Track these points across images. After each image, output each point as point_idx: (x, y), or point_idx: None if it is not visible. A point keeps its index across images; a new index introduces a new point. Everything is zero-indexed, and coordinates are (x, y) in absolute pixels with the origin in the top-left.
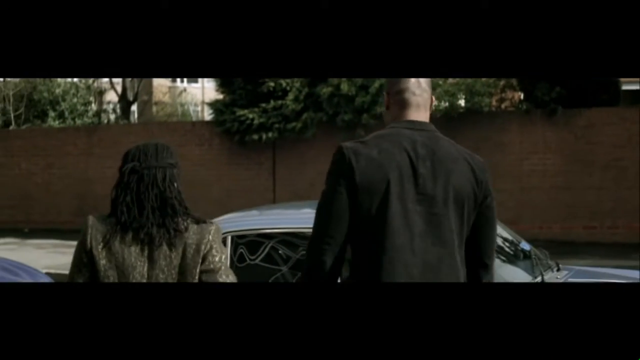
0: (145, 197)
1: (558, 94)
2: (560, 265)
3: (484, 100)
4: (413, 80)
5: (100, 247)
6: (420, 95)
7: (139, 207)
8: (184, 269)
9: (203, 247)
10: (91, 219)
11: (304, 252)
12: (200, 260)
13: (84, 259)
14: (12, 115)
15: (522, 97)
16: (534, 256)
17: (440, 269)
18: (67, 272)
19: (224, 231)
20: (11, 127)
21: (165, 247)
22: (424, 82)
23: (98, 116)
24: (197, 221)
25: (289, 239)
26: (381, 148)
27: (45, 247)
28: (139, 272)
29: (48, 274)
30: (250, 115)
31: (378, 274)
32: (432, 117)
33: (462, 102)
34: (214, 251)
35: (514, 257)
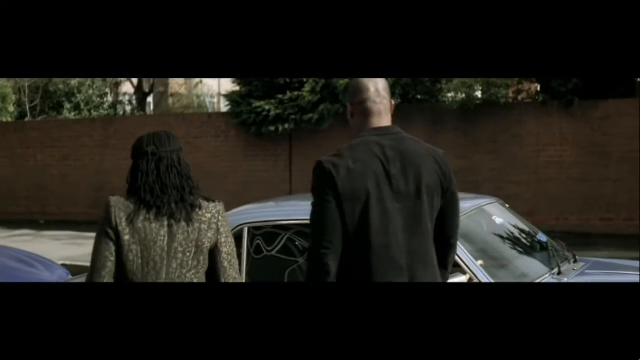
0: (166, 177)
1: (575, 85)
2: (577, 257)
3: (501, 92)
4: (372, 89)
5: (124, 224)
6: (381, 103)
7: (160, 187)
8: (199, 243)
9: (214, 225)
10: (113, 199)
11: None
12: (211, 236)
13: (110, 234)
14: (27, 107)
15: (538, 88)
16: (550, 248)
17: (424, 253)
18: (82, 263)
19: (241, 223)
20: (27, 119)
21: (183, 222)
22: (382, 90)
23: (114, 108)
24: (207, 199)
25: (305, 230)
26: (356, 159)
27: (61, 238)
28: (160, 246)
29: (64, 265)
30: (267, 107)
31: (369, 272)
32: (449, 108)
33: (479, 94)
34: (225, 231)
35: (531, 248)
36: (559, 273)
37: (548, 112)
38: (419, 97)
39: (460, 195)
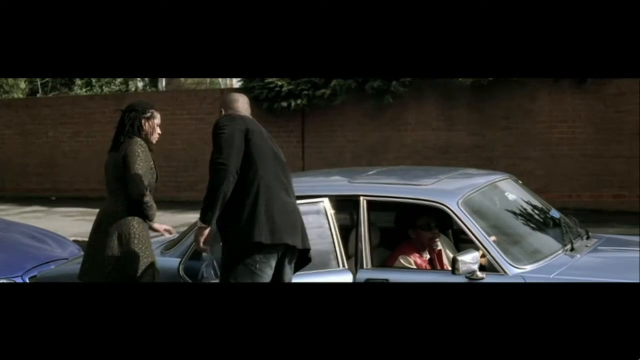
0: (123, 127)
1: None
2: (590, 233)
3: None
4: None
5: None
6: (245, 106)
7: (119, 132)
8: (118, 163)
9: (127, 150)
10: None
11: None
12: (123, 158)
13: None
14: (39, 83)
15: None
16: (563, 224)
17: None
18: None
19: None
20: (38, 95)
21: (116, 151)
22: (247, 103)
23: (126, 84)
24: (132, 140)
25: (318, 207)
26: (250, 119)
27: (72, 215)
28: (107, 164)
29: (75, 241)
30: (279, 82)
31: (271, 185)
32: (462, 85)
33: None
34: (130, 152)
35: (544, 225)
36: (572, 249)
37: (560, 89)
38: None
39: (474, 171)
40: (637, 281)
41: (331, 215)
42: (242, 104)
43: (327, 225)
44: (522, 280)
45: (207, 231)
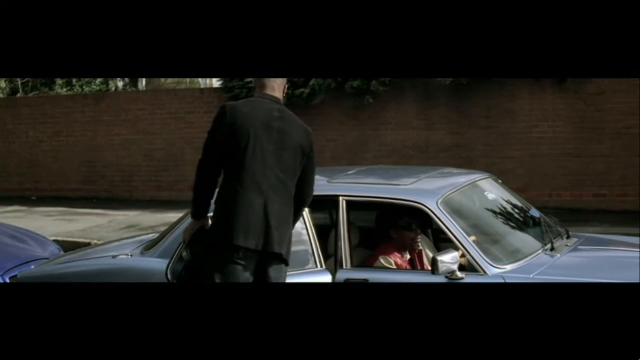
0: None
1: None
2: (570, 233)
3: None
4: None
5: None
6: (275, 81)
7: None
8: None
9: None
10: None
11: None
12: None
13: None
14: (19, 83)
15: None
16: (543, 223)
17: (280, 188)
18: (74, 239)
19: None
20: (18, 95)
21: None
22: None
23: (106, 83)
24: None
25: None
26: (251, 107)
27: (52, 214)
28: None
29: (56, 241)
30: None
31: (239, 184)
32: (442, 84)
33: None
34: None
35: (524, 224)
36: (552, 249)
37: (541, 88)
38: None
39: (453, 170)
40: (617, 281)
41: (306, 214)
42: (268, 82)
43: (304, 225)
44: (502, 280)
45: (193, 224)
